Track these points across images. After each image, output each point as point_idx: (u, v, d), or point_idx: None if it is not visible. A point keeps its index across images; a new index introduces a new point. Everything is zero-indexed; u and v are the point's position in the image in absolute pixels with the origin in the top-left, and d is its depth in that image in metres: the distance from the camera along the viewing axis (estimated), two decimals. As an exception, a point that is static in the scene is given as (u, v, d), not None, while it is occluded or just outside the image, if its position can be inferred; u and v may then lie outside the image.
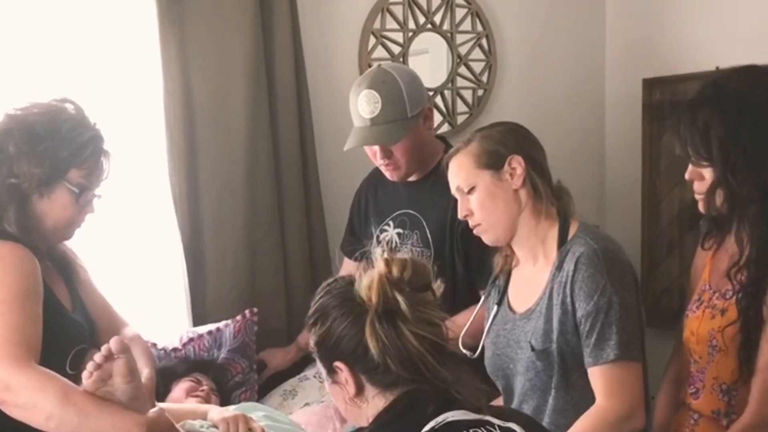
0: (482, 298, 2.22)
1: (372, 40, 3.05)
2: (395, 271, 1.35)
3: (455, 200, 2.12)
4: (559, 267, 1.94)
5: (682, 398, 1.95)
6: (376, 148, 2.42)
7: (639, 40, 3.38)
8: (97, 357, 1.62)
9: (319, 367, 1.45)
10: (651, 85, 3.28)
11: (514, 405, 2.03)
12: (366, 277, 1.37)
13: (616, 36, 3.49)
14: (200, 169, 2.72)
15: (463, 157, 2.04)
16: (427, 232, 2.46)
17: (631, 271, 1.96)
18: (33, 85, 2.43)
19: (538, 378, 1.97)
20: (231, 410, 2.06)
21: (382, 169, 2.49)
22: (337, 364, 1.37)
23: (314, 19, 2.93)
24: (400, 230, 2.54)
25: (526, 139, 2.05)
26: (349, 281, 1.41)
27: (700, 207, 1.85)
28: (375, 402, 1.37)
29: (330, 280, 1.46)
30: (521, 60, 3.39)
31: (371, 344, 1.32)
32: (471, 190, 2.02)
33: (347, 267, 2.78)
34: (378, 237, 2.59)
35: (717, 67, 2.88)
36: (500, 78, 3.34)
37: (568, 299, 1.91)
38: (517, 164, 1.98)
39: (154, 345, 2.54)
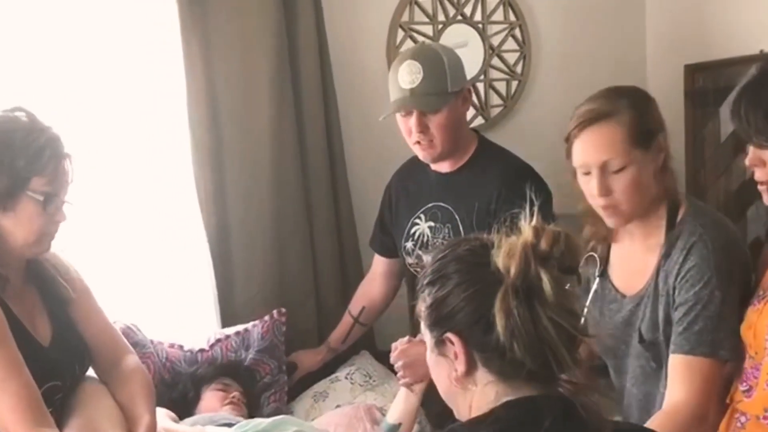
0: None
1: (400, 34, 2.98)
2: (544, 244, 1.15)
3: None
4: (667, 255, 1.85)
5: (730, 397, 1.84)
6: (412, 123, 2.33)
7: (680, 25, 3.26)
8: None
9: (424, 334, 1.26)
10: (693, 71, 3.16)
11: (627, 386, 1.98)
12: (507, 243, 1.17)
13: (656, 21, 3.38)
14: (226, 168, 2.68)
15: (615, 128, 1.80)
16: (460, 226, 2.38)
17: (743, 260, 1.84)
18: (56, 88, 2.44)
19: (648, 365, 1.91)
20: None
21: (416, 149, 2.39)
22: (450, 335, 1.19)
23: (340, 13, 2.88)
24: (432, 223, 2.47)
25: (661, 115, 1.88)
26: (483, 243, 1.22)
27: (764, 198, 1.71)
28: (486, 391, 1.19)
29: (456, 239, 1.28)
30: (557, 49, 3.29)
31: (498, 321, 1.13)
32: (620, 170, 1.81)
33: (378, 263, 2.74)
34: (409, 230, 2.52)
35: (761, 51, 2.78)
36: (535, 69, 3.25)
37: (671, 289, 1.82)
38: (662, 142, 1.84)
39: (181, 347, 2.53)
